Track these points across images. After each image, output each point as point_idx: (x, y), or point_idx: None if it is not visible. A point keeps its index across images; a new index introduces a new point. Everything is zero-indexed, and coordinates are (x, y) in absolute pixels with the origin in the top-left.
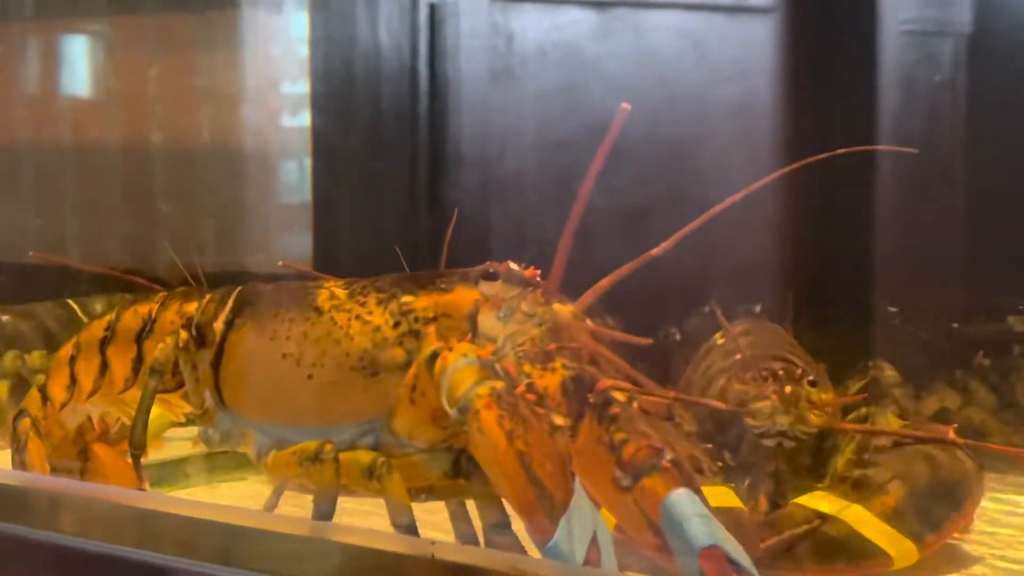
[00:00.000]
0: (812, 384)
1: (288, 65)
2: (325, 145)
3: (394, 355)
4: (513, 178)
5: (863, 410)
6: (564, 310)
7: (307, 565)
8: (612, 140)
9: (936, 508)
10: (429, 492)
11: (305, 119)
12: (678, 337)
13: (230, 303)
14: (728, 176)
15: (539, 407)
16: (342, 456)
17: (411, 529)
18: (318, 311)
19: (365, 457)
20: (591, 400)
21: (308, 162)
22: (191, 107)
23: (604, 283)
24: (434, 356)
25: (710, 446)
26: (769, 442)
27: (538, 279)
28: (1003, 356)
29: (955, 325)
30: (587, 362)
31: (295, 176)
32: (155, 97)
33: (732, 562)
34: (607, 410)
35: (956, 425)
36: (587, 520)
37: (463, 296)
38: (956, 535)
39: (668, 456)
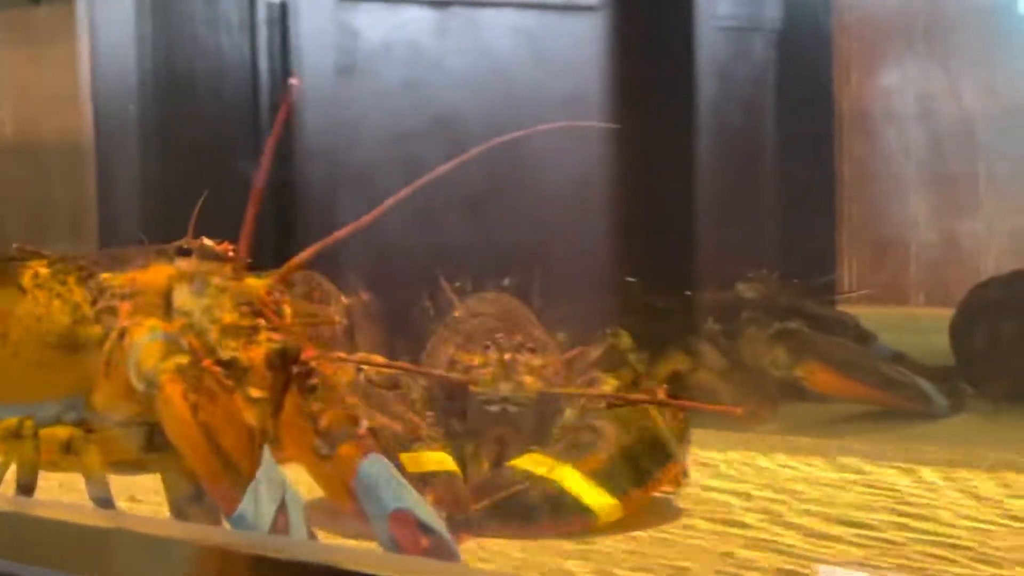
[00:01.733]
0: (531, 351)
1: (119, 62)
2: (160, 140)
3: (92, 332)
4: (360, 168)
5: (591, 375)
6: (257, 283)
7: (6, 538)
8: (284, 118)
9: (641, 466)
10: (131, 466)
11: (134, 116)
12: (432, 311)
13: None
14: (559, 164)
15: (231, 380)
16: (41, 432)
17: (107, 502)
18: (21, 290)
19: (63, 432)
20: (294, 372)
21: (138, 156)
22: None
23: (302, 256)
24: (124, 332)
25: (431, 413)
26: (493, 408)
27: (230, 254)
28: (732, 321)
29: (688, 293)
30: (304, 336)
31: (122, 170)
32: None
33: (422, 525)
34: (307, 381)
35: (666, 386)
36: (275, 488)
37: (158, 272)
38: (667, 489)
39: (364, 425)
